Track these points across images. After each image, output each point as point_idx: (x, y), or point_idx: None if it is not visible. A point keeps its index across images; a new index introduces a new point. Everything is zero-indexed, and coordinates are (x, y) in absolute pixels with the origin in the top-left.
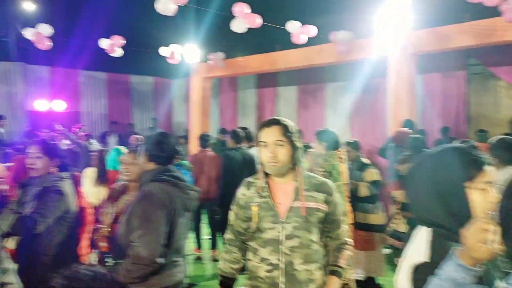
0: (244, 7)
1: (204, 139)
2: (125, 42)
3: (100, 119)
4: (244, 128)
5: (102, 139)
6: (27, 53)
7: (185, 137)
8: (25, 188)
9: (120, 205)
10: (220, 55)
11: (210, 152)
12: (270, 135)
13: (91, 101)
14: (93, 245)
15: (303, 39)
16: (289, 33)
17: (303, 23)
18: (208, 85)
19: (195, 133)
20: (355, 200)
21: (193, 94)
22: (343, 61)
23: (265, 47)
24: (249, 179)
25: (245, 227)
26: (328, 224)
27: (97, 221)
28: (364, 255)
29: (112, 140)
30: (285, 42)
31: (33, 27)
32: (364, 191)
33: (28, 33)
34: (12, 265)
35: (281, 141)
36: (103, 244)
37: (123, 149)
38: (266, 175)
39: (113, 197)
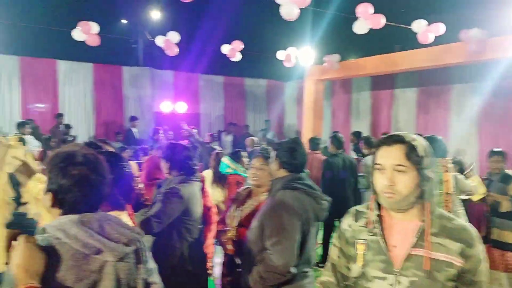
0: (368, 7)
1: (314, 142)
2: (244, 46)
3: (217, 121)
4: (357, 133)
5: (218, 138)
6: (154, 58)
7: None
8: (159, 188)
9: (245, 209)
10: (335, 57)
11: (319, 155)
12: (389, 156)
13: (209, 103)
14: (219, 245)
15: (430, 38)
16: (410, 33)
17: (428, 22)
18: (321, 88)
19: (307, 135)
20: (494, 215)
21: (306, 96)
22: (473, 61)
23: (383, 47)
24: (359, 207)
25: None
26: (463, 287)
27: (221, 222)
28: (505, 276)
29: (228, 139)
30: (406, 41)
31: (161, 34)
32: (506, 205)
33: (159, 41)
34: (154, 265)
35: (404, 166)
36: (230, 247)
37: (243, 153)
38: (380, 205)
39: (238, 201)
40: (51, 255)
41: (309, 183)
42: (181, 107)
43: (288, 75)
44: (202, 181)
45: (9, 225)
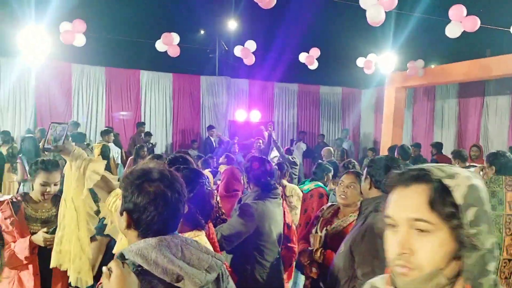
0: (462, 9)
1: (392, 151)
2: (320, 53)
3: (290, 129)
4: (437, 145)
5: (289, 147)
6: (230, 67)
7: (373, 149)
8: (239, 203)
9: (332, 230)
10: (420, 62)
11: None
12: (403, 205)
13: (283, 111)
14: (298, 268)
15: None
16: (502, 36)
17: None
18: (403, 95)
19: (386, 145)
20: None
21: (386, 104)
22: None
23: (471, 52)
24: (377, 282)
25: None
26: None
27: (302, 240)
28: None
29: (300, 147)
30: (496, 46)
31: (237, 43)
32: None
33: (237, 50)
34: (231, 283)
35: (427, 222)
36: (314, 270)
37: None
38: None
39: (324, 219)
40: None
41: None
42: (255, 116)
43: (365, 82)
44: (283, 197)
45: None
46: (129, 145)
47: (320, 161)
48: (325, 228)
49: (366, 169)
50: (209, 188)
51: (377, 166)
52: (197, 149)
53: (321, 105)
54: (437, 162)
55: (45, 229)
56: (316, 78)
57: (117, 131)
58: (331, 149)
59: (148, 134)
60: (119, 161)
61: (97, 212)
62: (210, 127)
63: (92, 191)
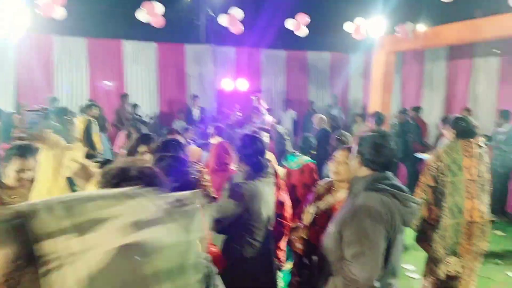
0: None
1: (378, 117)
2: (310, 20)
3: (279, 96)
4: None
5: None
6: (216, 35)
7: (363, 115)
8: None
9: (322, 206)
10: (409, 25)
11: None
12: None
13: (271, 79)
14: (288, 243)
15: None
16: None
17: None
18: (391, 59)
19: (374, 110)
20: None
21: (375, 69)
22: None
23: (462, 13)
24: None
25: None
26: None
27: (296, 217)
28: None
29: (289, 116)
30: (488, 6)
31: (223, 9)
32: None
33: (223, 19)
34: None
35: None
36: (299, 246)
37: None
38: None
39: (316, 195)
40: None
41: (396, 183)
42: (243, 84)
43: (353, 47)
44: (276, 174)
45: None
46: (114, 118)
47: (306, 134)
48: (316, 205)
49: (356, 146)
50: (194, 177)
51: (367, 144)
52: (183, 120)
53: (309, 72)
54: (416, 125)
55: None
56: (304, 44)
57: (101, 103)
58: (323, 116)
59: (135, 106)
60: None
61: None
62: (194, 97)
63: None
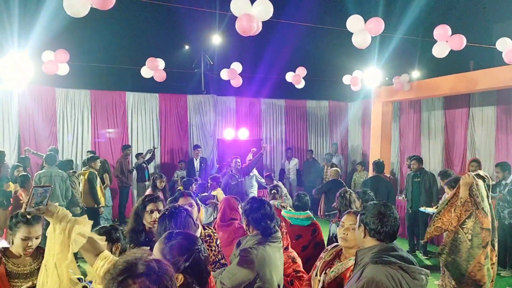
0: (447, 29)
1: (378, 165)
2: (306, 72)
3: (278, 144)
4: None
5: (270, 174)
6: (216, 85)
7: (362, 164)
8: (238, 246)
9: (330, 274)
10: (405, 77)
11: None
12: None
13: (271, 127)
14: None
15: None
16: (485, 49)
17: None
18: (389, 109)
19: (374, 158)
20: None
21: (373, 119)
22: None
23: (456, 65)
24: None
25: None
26: None
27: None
28: None
29: (292, 165)
30: (480, 58)
31: (223, 59)
32: None
33: (224, 73)
34: None
35: None
36: None
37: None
38: None
39: (325, 262)
40: None
41: (404, 254)
42: (243, 133)
43: (351, 95)
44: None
45: None
46: (116, 169)
47: (300, 193)
48: (324, 272)
49: (359, 216)
50: (205, 255)
51: (371, 214)
52: (185, 170)
53: (308, 120)
54: (418, 176)
55: (29, 284)
56: (302, 94)
57: (104, 154)
58: (338, 170)
59: (140, 155)
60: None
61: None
62: (196, 147)
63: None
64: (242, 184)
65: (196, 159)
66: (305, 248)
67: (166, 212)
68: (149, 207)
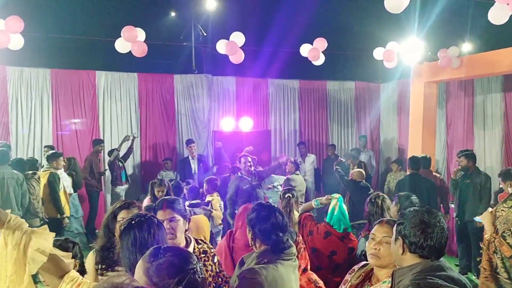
0: None
1: (414, 161)
2: (327, 45)
3: (290, 137)
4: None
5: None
6: (211, 62)
7: (399, 162)
8: (241, 266)
9: None
10: (454, 51)
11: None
12: None
13: (281, 116)
14: None
15: None
16: None
17: None
18: (433, 92)
19: (414, 152)
20: None
21: (413, 103)
22: None
23: None
24: None
25: None
26: None
27: None
28: None
29: (308, 163)
30: None
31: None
32: None
33: (221, 45)
34: None
35: None
36: None
37: None
38: None
39: (353, 286)
40: None
41: (454, 274)
42: (246, 124)
43: (384, 74)
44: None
45: None
46: (84, 169)
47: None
48: None
49: (395, 226)
50: (202, 276)
51: (411, 223)
52: (172, 170)
53: (329, 106)
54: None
55: None
56: (322, 73)
57: (69, 151)
58: (363, 171)
59: (112, 152)
60: (72, 191)
61: None
62: (189, 142)
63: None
64: (256, 189)
65: (193, 158)
66: (337, 268)
67: (132, 222)
68: (120, 216)
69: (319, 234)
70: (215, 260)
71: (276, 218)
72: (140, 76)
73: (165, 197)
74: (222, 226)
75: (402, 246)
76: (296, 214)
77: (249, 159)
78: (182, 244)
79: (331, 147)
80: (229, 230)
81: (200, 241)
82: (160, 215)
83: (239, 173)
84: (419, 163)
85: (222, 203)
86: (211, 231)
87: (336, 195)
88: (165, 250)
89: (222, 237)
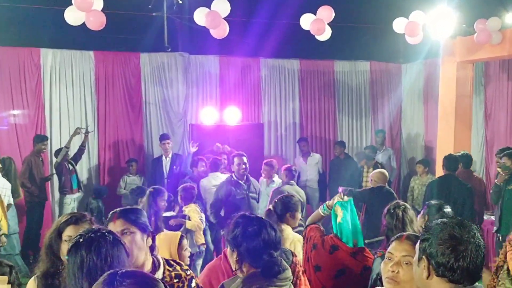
0: None
1: (450, 160)
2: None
3: (289, 132)
4: None
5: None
6: (190, 39)
7: (425, 162)
8: None
9: None
10: (495, 22)
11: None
12: None
13: (277, 105)
14: None
15: None
16: None
17: None
18: (468, 74)
19: (445, 152)
20: None
21: (443, 88)
22: None
23: None
24: None
25: None
26: None
27: None
28: None
29: (312, 164)
30: None
31: (202, 3)
32: None
33: (199, 15)
34: None
35: None
36: None
37: None
38: None
39: None
40: None
41: None
42: (233, 116)
43: (407, 53)
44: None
45: None
46: (22, 172)
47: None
48: None
49: (418, 243)
50: None
51: (438, 239)
52: (139, 175)
53: (338, 92)
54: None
55: None
56: (328, 50)
57: (6, 149)
58: (385, 172)
59: (58, 152)
60: (11, 200)
61: None
62: (164, 137)
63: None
64: (250, 200)
65: (166, 157)
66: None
67: (81, 240)
68: (66, 233)
69: (324, 248)
70: (193, 285)
71: (268, 233)
72: (97, 55)
73: (122, 208)
74: (205, 246)
75: (427, 268)
76: (287, 230)
77: (245, 159)
78: (146, 265)
79: (339, 145)
80: (225, 249)
81: (172, 263)
82: (111, 228)
83: (233, 176)
84: (457, 162)
85: (203, 216)
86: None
87: (345, 196)
88: (123, 277)
89: (203, 260)
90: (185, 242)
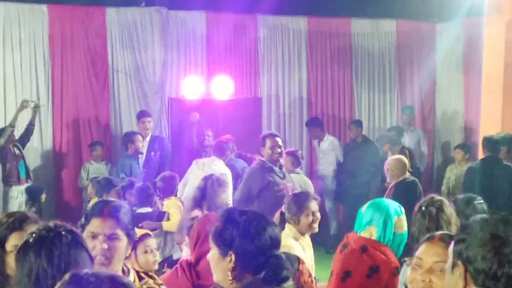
0: None
1: (491, 142)
2: None
3: (294, 110)
4: None
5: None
6: None
7: (465, 147)
8: None
9: None
10: None
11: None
12: None
13: (279, 75)
14: None
15: None
16: None
17: None
18: None
19: (490, 131)
20: None
21: (488, 54)
22: None
23: None
24: None
25: None
26: None
27: None
28: None
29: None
30: None
31: None
32: None
33: None
34: None
35: None
36: None
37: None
38: None
39: None
40: None
41: None
42: (223, 88)
43: (442, 9)
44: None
45: None
46: None
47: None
48: None
49: (452, 246)
50: None
51: (476, 241)
52: (105, 161)
53: (355, 59)
54: None
55: None
56: (342, 6)
57: None
58: (404, 159)
59: (3, 131)
60: None
61: None
62: (142, 114)
63: None
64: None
65: (144, 139)
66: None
67: (30, 240)
68: (11, 243)
69: None
70: None
71: (272, 231)
72: (51, 9)
73: (109, 200)
74: None
75: (464, 276)
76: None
77: (279, 141)
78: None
79: (355, 124)
80: (183, 260)
81: (143, 275)
82: (95, 225)
83: (266, 162)
84: (499, 143)
85: None
86: (170, 257)
87: (373, 230)
88: (90, 277)
89: None
90: (150, 242)
